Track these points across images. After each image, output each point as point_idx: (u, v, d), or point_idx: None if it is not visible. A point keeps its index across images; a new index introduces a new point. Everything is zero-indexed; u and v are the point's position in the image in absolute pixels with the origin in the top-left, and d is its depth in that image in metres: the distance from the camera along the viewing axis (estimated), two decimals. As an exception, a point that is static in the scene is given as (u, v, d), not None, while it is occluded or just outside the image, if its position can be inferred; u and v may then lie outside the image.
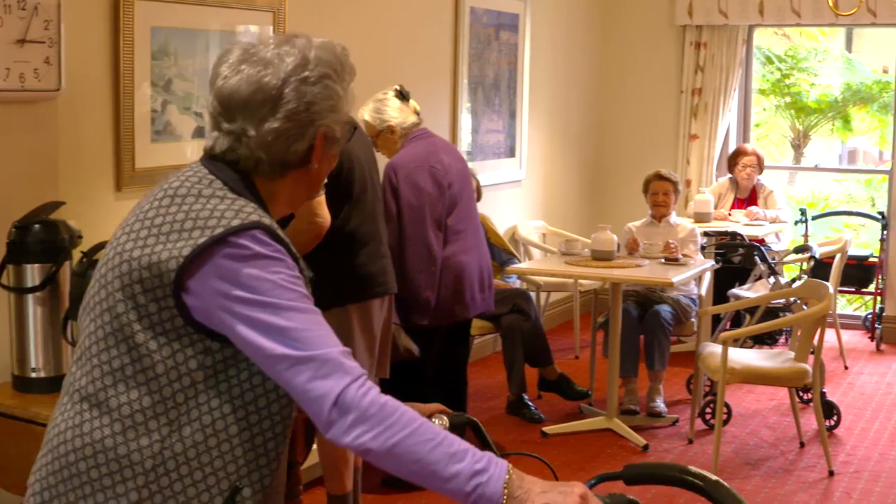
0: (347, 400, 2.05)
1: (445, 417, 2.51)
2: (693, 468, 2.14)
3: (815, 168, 14.58)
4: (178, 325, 2.17)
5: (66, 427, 2.21)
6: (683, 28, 9.67)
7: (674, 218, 7.56)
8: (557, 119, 9.43)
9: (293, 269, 2.17)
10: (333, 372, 2.07)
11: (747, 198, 9.13)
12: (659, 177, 7.55)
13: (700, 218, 8.54)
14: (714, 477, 2.10)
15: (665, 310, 7.04)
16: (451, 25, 7.68)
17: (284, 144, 2.26)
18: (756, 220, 8.74)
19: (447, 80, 7.68)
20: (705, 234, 8.00)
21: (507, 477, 2.01)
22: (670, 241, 7.02)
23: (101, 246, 3.75)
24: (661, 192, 7.50)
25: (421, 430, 2.05)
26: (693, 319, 7.19)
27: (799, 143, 15.90)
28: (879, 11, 8.96)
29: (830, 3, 7.93)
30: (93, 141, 4.96)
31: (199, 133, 5.53)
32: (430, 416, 2.49)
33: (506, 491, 2.00)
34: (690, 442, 6.52)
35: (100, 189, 5.01)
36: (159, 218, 2.21)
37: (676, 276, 6.43)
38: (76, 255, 4.20)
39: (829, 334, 8.07)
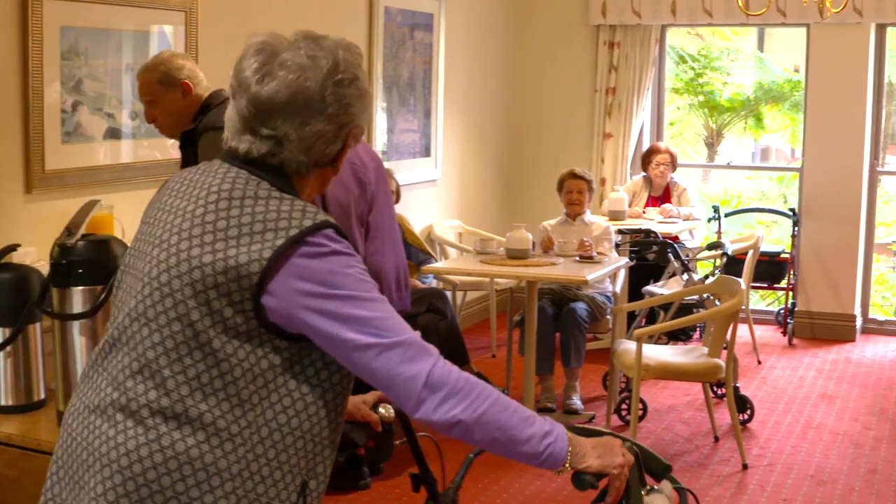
0: (436, 378, 2.19)
1: (389, 406, 2.70)
2: (624, 435, 2.37)
3: (728, 166, 14.75)
4: (252, 328, 2.20)
5: (136, 445, 2.18)
6: (597, 28, 9.74)
7: (588, 216, 7.61)
8: (472, 118, 9.45)
9: (361, 262, 2.28)
10: (419, 354, 2.22)
11: (661, 195, 9.22)
12: (573, 175, 7.59)
13: (614, 216, 8.60)
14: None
15: (580, 307, 7.08)
16: (365, 25, 7.67)
17: (323, 146, 2.33)
18: (670, 217, 8.83)
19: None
20: (619, 231, 8.06)
21: (567, 436, 2.26)
22: (585, 239, 7.08)
23: (11, 248, 3.67)
24: (575, 190, 7.55)
25: (500, 399, 2.22)
26: (608, 317, 7.24)
27: (712, 142, 16.07)
28: (789, 11, 9.09)
29: (740, 4, 8.04)
30: (0, 142, 4.89)
31: (111, 134, 5.47)
32: (375, 405, 2.71)
33: (570, 448, 2.25)
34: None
35: (9, 191, 4.94)
36: (221, 221, 2.23)
37: (591, 273, 6.48)
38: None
39: (743, 329, 8.18)
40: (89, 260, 3.35)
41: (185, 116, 4.62)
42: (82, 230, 3.40)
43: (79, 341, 3.39)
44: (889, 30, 9.38)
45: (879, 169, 9.76)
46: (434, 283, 7.70)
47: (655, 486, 2.38)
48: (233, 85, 2.33)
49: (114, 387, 2.24)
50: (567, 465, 2.25)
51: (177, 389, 2.20)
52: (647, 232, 8.16)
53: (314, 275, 2.19)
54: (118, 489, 2.18)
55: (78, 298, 3.36)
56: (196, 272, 2.20)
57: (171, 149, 5.74)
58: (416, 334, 2.25)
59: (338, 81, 2.30)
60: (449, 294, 7.64)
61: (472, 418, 2.19)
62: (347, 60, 2.33)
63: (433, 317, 6.85)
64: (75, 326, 3.37)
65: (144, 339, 2.23)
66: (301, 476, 2.27)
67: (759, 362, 8.51)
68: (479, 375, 7.02)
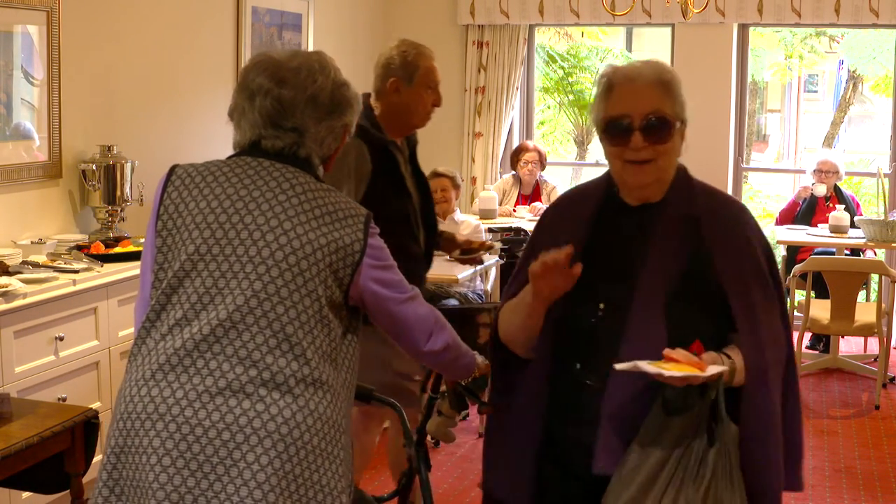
0: (439, 315, 2.86)
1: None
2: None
3: (597, 164, 14.88)
4: (340, 300, 2.64)
5: (291, 413, 2.49)
6: (466, 27, 9.78)
7: (458, 215, 7.63)
8: (343, 119, 9.42)
9: None
10: (423, 301, 2.82)
11: (531, 194, 9.28)
12: (436, 174, 7.59)
13: (485, 214, 8.63)
14: None
15: (452, 304, 7.09)
16: (232, 25, 7.59)
17: (331, 141, 2.77)
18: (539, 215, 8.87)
19: (229, 81, 7.59)
20: (490, 230, 8.09)
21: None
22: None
23: None
24: (439, 189, 7.53)
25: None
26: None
27: (583, 140, 16.27)
28: (653, 12, 9.23)
29: (605, 4, 8.16)
30: None
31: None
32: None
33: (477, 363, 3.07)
34: (480, 436, 6.59)
35: None
36: (316, 209, 2.62)
37: (461, 272, 6.50)
38: None
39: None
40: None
41: None
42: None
43: None
44: (751, 30, 9.58)
45: (744, 165, 9.98)
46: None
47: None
48: (252, 92, 2.70)
49: (246, 366, 2.49)
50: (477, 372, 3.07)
51: (314, 358, 2.55)
52: (518, 230, 8.20)
53: (376, 252, 2.68)
54: (282, 456, 2.46)
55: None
56: (318, 252, 2.58)
57: (37, 151, 5.63)
58: None
59: (340, 85, 2.79)
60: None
61: (454, 342, 2.89)
62: (338, 70, 2.84)
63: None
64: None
65: (280, 316, 2.53)
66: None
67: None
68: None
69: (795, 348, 2.85)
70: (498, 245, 5.15)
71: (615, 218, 2.86)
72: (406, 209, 4.42)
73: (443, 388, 3.45)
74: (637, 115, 2.75)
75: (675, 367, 2.50)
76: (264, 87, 2.68)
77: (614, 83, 2.80)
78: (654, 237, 2.78)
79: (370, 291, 2.67)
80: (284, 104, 2.68)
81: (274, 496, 2.42)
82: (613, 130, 2.78)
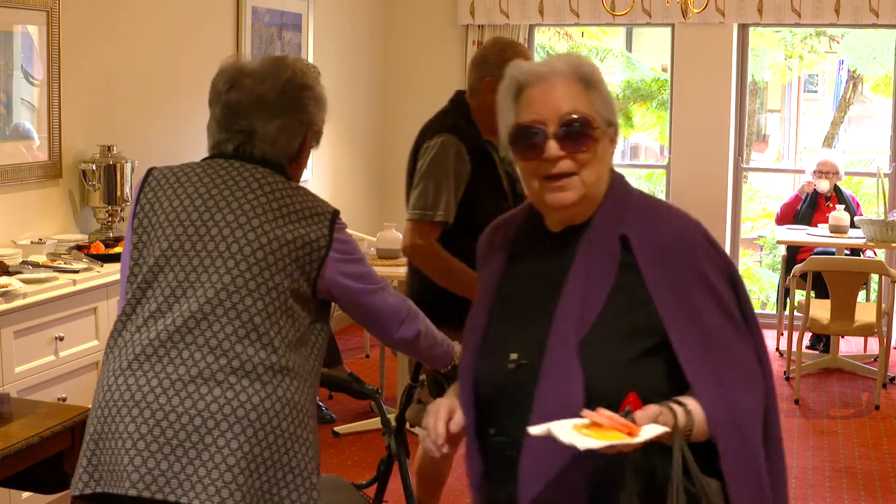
0: (411, 304, 2.98)
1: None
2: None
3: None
4: (308, 293, 2.75)
5: (260, 400, 2.61)
6: (466, 27, 9.77)
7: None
8: (343, 119, 9.41)
9: None
10: (393, 291, 2.93)
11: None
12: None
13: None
14: None
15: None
16: (232, 25, 7.59)
17: (285, 140, 2.84)
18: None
19: (230, 81, 7.61)
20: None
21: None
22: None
23: None
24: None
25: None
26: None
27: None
28: (653, 12, 9.24)
29: (605, 4, 8.15)
30: None
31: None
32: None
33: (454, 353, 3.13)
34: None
35: None
36: (283, 207, 2.74)
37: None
38: None
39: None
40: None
41: None
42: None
43: None
44: (751, 30, 9.58)
45: (744, 165, 9.99)
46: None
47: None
48: (210, 99, 2.89)
49: (216, 355, 2.61)
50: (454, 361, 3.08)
51: (280, 347, 2.66)
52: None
53: (343, 246, 2.78)
54: (252, 440, 2.58)
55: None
56: (284, 248, 2.69)
57: (37, 151, 5.63)
58: None
59: (294, 86, 2.83)
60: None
61: (427, 330, 3.02)
62: (304, 72, 2.87)
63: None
64: None
65: (248, 307, 2.65)
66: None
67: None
68: (352, 376, 7.00)
69: (773, 387, 2.36)
70: None
71: (534, 248, 2.42)
72: (502, 209, 4.29)
73: (422, 376, 3.49)
74: (551, 119, 2.29)
75: (597, 432, 2.04)
76: (219, 93, 2.88)
77: (523, 84, 2.34)
78: (575, 267, 2.29)
79: (339, 284, 2.78)
80: (231, 107, 2.83)
81: (244, 478, 2.55)
82: (524, 141, 2.32)
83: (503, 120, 2.37)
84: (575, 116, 2.28)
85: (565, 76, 2.31)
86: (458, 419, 2.38)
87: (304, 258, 2.72)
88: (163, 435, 2.55)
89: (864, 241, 8.15)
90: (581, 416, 2.08)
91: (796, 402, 7.42)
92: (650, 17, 9.29)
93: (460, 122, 4.23)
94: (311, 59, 8.73)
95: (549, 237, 2.38)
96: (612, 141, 2.37)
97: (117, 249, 5.54)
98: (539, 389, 2.21)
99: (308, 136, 2.89)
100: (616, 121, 2.37)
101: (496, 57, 4.24)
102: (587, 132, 2.28)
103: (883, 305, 7.75)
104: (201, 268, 2.67)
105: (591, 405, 2.10)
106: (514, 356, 2.31)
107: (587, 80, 2.32)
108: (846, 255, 8.29)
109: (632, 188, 2.41)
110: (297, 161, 2.90)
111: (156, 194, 2.80)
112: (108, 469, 2.62)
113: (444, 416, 2.38)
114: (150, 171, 2.88)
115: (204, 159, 2.90)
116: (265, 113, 2.80)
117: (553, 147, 2.27)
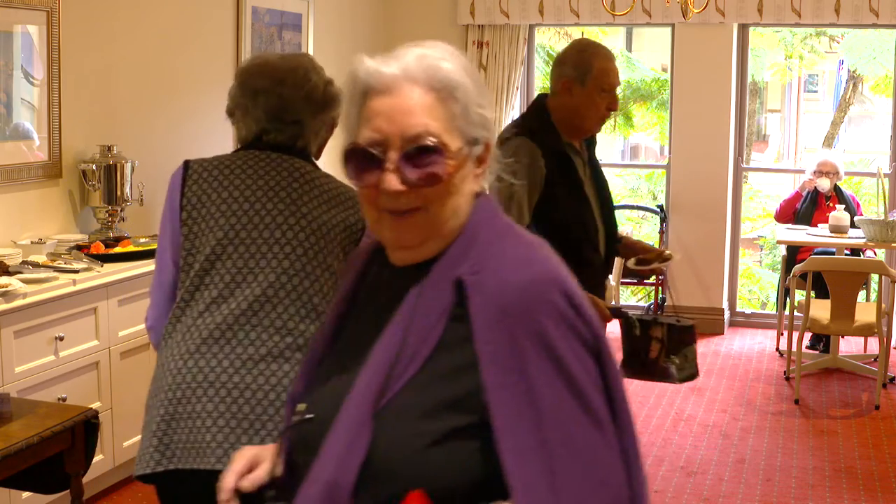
0: None
1: None
2: None
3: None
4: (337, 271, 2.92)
5: (277, 381, 2.76)
6: (466, 27, 9.77)
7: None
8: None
9: None
10: None
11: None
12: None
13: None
14: None
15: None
16: (232, 25, 7.59)
17: (325, 133, 3.09)
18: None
19: (229, 81, 7.58)
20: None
21: None
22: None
23: None
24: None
25: None
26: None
27: (583, 140, 16.19)
28: (653, 11, 9.23)
29: (605, 4, 8.15)
30: None
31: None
32: None
33: None
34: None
35: None
36: (324, 194, 2.96)
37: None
38: None
39: (613, 325, 8.26)
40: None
41: None
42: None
43: None
44: (751, 30, 9.58)
45: (744, 165, 9.99)
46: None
47: None
48: (250, 92, 3.03)
49: (282, 334, 2.81)
50: None
51: (288, 335, 2.81)
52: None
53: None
54: (245, 417, 2.73)
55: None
56: (331, 232, 2.91)
57: (37, 151, 5.63)
58: None
59: (328, 83, 3.09)
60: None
61: None
62: (323, 69, 3.12)
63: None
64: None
65: (307, 289, 2.86)
66: None
67: (630, 357, 8.59)
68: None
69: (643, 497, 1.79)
70: (676, 255, 4.69)
71: (381, 275, 1.94)
72: (583, 215, 4.16)
73: None
74: (394, 141, 1.79)
75: None
76: (266, 86, 3.02)
77: (367, 88, 1.86)
78: (398, 317, 1.80)
79: None
80: (286, 101, 3.01)
81: None
82: (359, 165, 1.84)
83: (346, 129, 1.92)
84: (424, 143, 1.77)
85: (419, 83, 1.80)
86: (258, 476, 1.93)
87: (347, 240, 2.94)
88: (240, 411, 2.73)
89: (864, 241, 8.16)
90: None
91: (796, 402, 7.42)
92: (650, 17, 9.28)
93: (537, 125, 4.11)
94: (311, 59, 8.73)
95: (392, 272, 1.89)
96: (481, 161, 1.86)
97: (117, 249, 5.54)
98: (320, 455, 1.76)
99: (332, 129, 3.11)
100: (489, 133, 1.86)
101: (574, 58, 4.13)
102: (438, 161, 1.77)
103: (883, 305, 7.76)
104: (259, 254, 2.87)
105: (369, 489, 1.69)
106: (301, 407, 1.88)
107: (447, 88, 1.80)
108: (846, 255, 8.29)
109: (496, 219, 1.87)
110: (319, 152, 3.15)
111: (201, 187, 2.96)
112: (186, 447, 2.77)
113: (238, 468, 1.94)
114: (188, 165, 3.03)
115: (237, 151, 3.07)
116: (312, 107, 3.04)
117: (392, 181, 1.78)
